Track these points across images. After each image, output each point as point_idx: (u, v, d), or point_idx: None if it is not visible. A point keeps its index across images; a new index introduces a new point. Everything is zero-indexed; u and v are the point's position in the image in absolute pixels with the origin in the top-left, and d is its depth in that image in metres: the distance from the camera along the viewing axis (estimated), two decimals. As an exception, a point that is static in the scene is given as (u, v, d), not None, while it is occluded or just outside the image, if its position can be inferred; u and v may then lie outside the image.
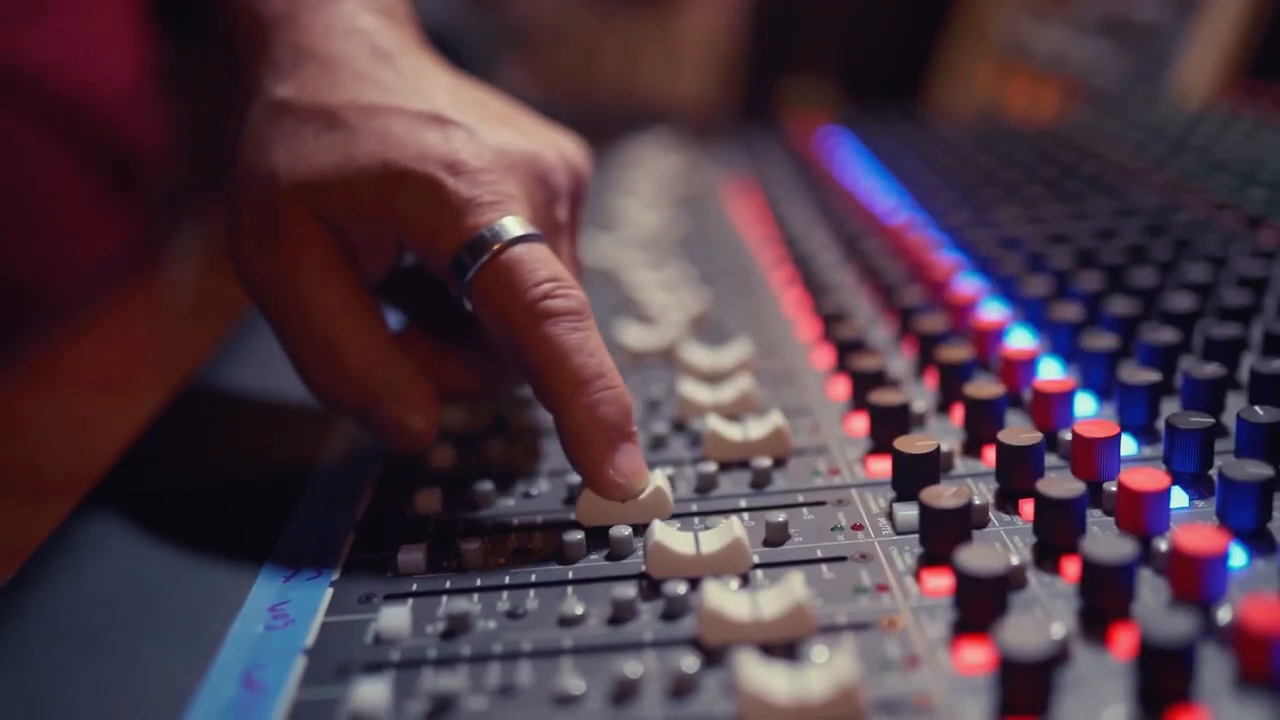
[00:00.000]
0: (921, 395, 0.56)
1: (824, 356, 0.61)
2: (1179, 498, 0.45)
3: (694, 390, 0.56)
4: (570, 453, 0.48)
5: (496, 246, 0.48)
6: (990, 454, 0.49)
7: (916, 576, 0.42)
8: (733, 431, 0.52)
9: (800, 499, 0.48)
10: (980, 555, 0.39)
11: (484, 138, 0.52)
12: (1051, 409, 0.50)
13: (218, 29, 0.58)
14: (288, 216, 0.50)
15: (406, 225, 0.50)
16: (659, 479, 0.48)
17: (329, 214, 0.50)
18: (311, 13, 0.54)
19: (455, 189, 0.49)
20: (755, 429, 0.52)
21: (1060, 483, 0.42)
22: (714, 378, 0.59)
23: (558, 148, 0.56)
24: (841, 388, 0.57)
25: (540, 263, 0.49)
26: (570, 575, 0.44)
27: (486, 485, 0.50)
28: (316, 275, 0.50)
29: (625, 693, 0.37)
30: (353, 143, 0.50)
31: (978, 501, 0.44)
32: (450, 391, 0.55)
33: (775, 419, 0.52)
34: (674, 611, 0.41)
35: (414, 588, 0.44)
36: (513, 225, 0.49)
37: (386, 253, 0.52)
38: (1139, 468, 0.43)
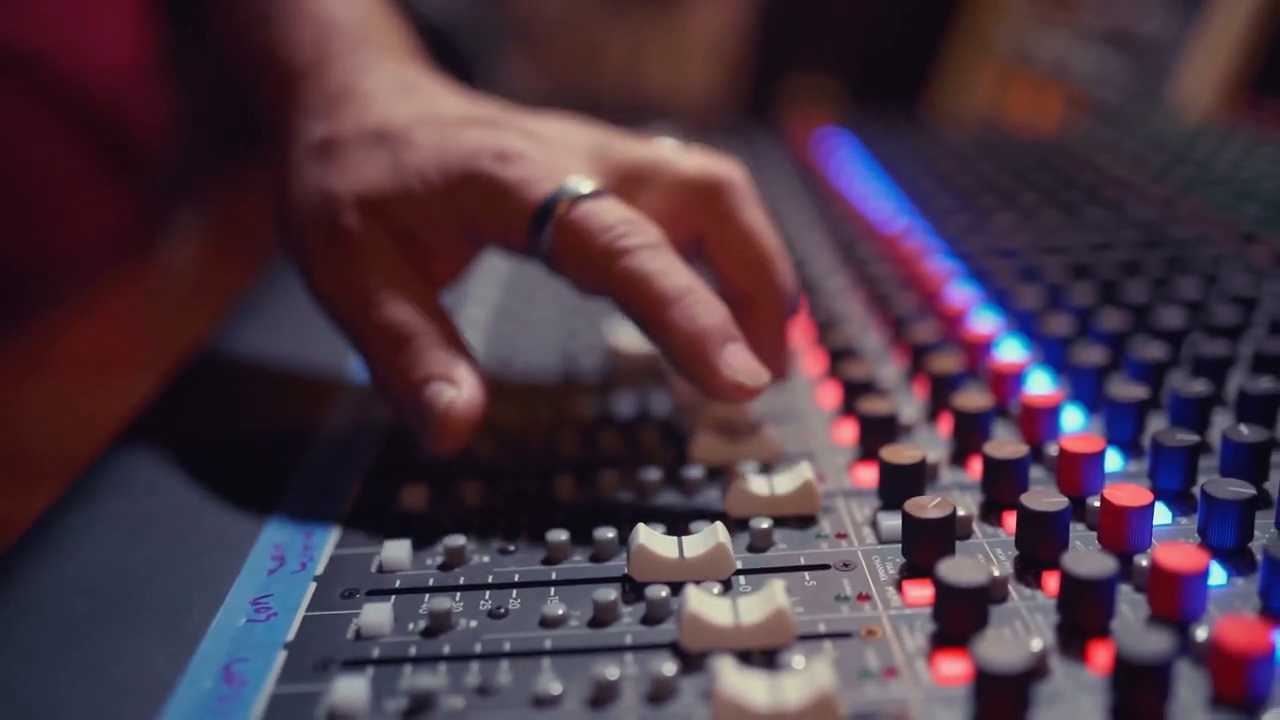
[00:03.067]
0: (910, 404, 0.56)
1: (815, 363, 0.61)
2: (1162, 514, 0.45)
3: (684, 392, 0.56)
4: (684, 368, 0.49)
5: (560, 209, 0.50)
6: (977, 465, 0.49)
7: (898, 586, 0.42)
8: (722, 439, 0.52)
9: (786, 505, 0.48)
10: (961, 567, 0.39)
11: (518, 124, 0.55)
12: (1039, 422, 0.50)
13: (241, 81, 0.60)
14: (357, 231, 0.52)
15: (477, 220, 0.52)
16: (807, 472, 0.48)
17: (395, 224, 0.52)
18: (338, 60, 0.58)
19: (510, 173, 0.51)
20: (747, 438, 0.52)
21: (1043, 496, 0.42)
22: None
23: (577, 121, 0.58)
24: (832, 395, 0.57)
25: (606, 211, 0.50)
26: (553, 576, 0.44)
27: (472, 483, 0.50)
28: (393, 281, 0.52)
29: (604, 696, 0.37)
30: (402, 154, 0.53)
31: (962, 513, 0.45)
32: None
33: (765, 424, 0.52)
34: (655, 615, 0.41)
35: (397, 584, 0.44)
36: (573, 185, 0.51)
37: (460, 252, 0.55)
38: (1123, 483, 0.43)
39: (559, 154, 0.53)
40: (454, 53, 1.58)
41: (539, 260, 0.52)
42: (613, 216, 0.50)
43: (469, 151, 0.52)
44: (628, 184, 0.54)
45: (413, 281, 0.52)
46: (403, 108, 0.55)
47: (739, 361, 0.48)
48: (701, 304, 0.49)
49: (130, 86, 1.11)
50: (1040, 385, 0.56)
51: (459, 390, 0.50)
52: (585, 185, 0.51)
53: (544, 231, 0.51)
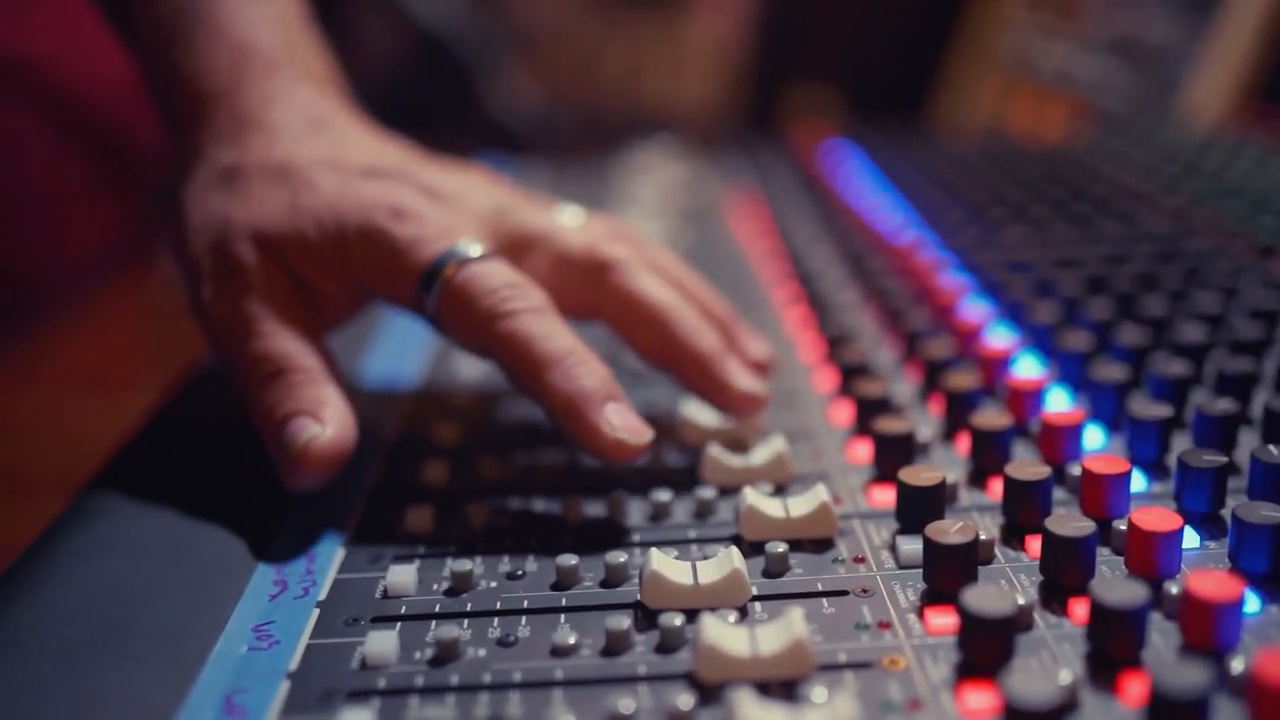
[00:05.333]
0: (927, 423, 0.54)
1: (827, 379, 0.60)
2: (1190, 538, 0.44)
3: (696, 413, 0.55)
4: (565, 428, 0.49)
5: (448, 271, 0.51)
6: (997, 486, 0.48)
7: (920, 614, 0.41)
8: (733, 459, 0.50)
9: (801, 528, 0.47)
10: (986, 596, 0.37)
11: (419, 179, 0.55)
12: (1060, 441, 0.49)
13: (154, 99, 0.61)
14: (249, 259, 0.53)
15: (366, 273, 0.53)
16: (779, 444, 0.49)
17: (286, 260, 0.53)
18: (252, 86, 0.58)
19: (402, 232, 0.52)
20: (757, 452, 0.51)
21: (1069, 521, 0.41)
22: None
23: (486, 176, 0.60)
24: (845, 413, 0.56)
25: (493, 274, 0.51)
26: (564, 602, 0.43)
27: (478, 505, 0.49)
28: (278, 316, 0.52)
29: (618, 730, 0.36)
30: (300, 195, 0.54)
31: (983, 537, 0.43)
32: None
33: (777, 443, 0.51)
34: (669, 644, 0.40)
35: (403, 610, 0.43)
36: (462, 248, 0.52)
37: (348, 300, 0.56)
38: (1149, 506, 0.42)
39: (454, 214, 0.54)
40: (453, 62, 1.57)
41: (425, 319, 0.53)
42: (498, 280, 0.51)
43: (367, 205, 0.53)
44: (519, 250, 0.55)
45: (296, 316, 0.53)
46: (309, 146, 0.56)
47: (619, 419, 0.48)
48: (581, 365, 0.49)
49: (129, 96, 1.09)
50: (1059, 403, 0.55)
51: (323, 428, 0.49)
52: (475, 248, 0.52)
53: (431, 292, 0.51)
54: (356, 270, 0.53)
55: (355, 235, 0.53)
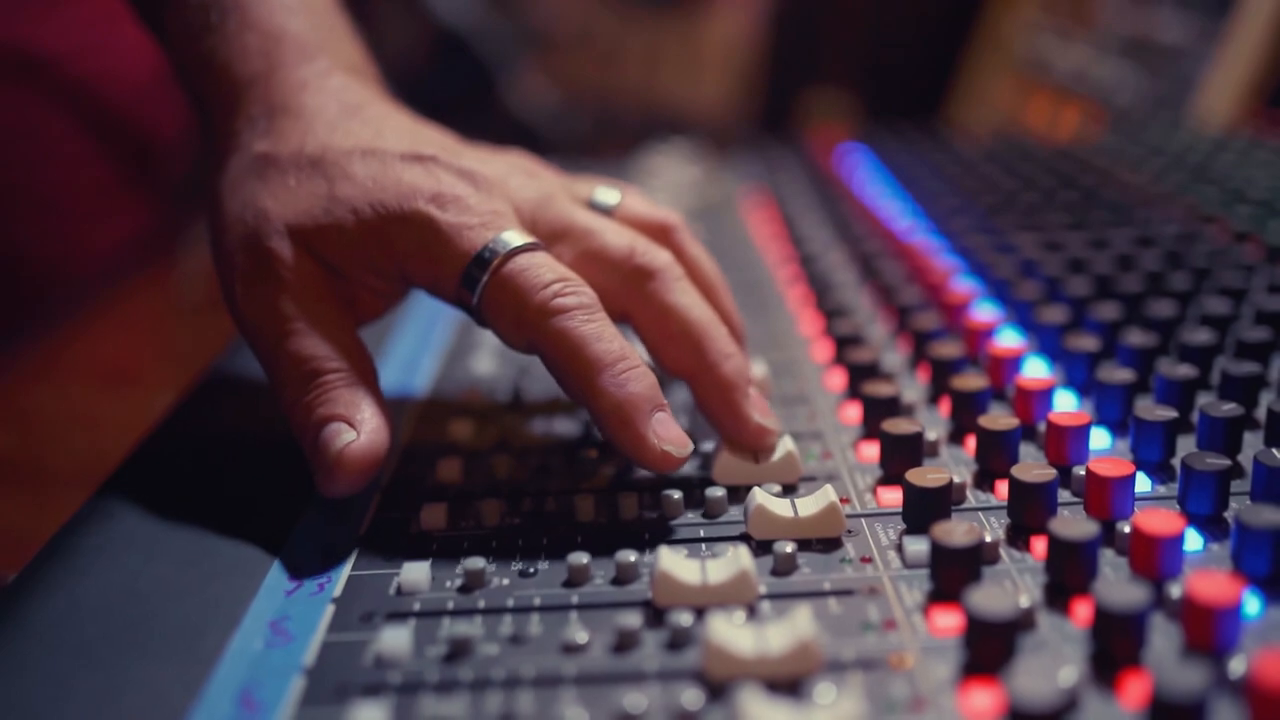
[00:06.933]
0: (935, 423, 0.55)
1: (837, 379, 0.61)
2: (1193, 540, 0.44)
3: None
4: (610, 435, 0.49)
5: (496, 261, 0.50)
6: (1003, 487, 0.48)
7: (925, 613, 0.41)
8: (744, 460, 0.51)
9: (809, 528, 0.47)
10: (991, 597, 0.38)
11: (459, 164, 0.54)
12: (1066, 443, 0.50)
13: (186, 88, 0.61)
14: (285, 255, 0.52)
15: (408, 262, 0.52)
16: (789, 444, 0.49)
17: (323, 256, 0.52)
18: (285, 72, 0.57)
19: (446, 219, 0.51)
20: (768, 459, 0.51)
21: (1074, 523, 0.42)
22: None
23: (525, 160, 0.59)
24: (854, 412, 0.57)
25: (543, 267, 0.50)
26: (575, 600, 0.43)
27: (491, 503, 0.49)
28: (314, 314, 0.52)
29: (627, 726, 0.37)
30: (337, 186, 0.53)
31: (989, 538, 0.44)
32: None
33: (787, 444, 0.51)
34: (679, 642, 0.40)
35: (416, 607, 0.43)
36: (508, 238, 0.51)
37: (387, 291, 0.55)
38: (1153, 508, 0.43)
39: (496, 200, 0.53)
40: (472, 61, 1.57)
41: (463, 309, 0.52)
42: (549, 273, 0.50)
43: (406, 191, 0.52)
44: (557, 241, 0.54)
45: (333, 314, 0.52)
46: (344, 133, 0.55)
47: (665, 431, 0.49)
48: (631, 371, 0.49)
49: (148, 94, 1.10)
50: (1066, 405, 0.55)
51: (357, 434, 0.49)
52: (520, 237, 0.51)
53: (477, 282, 0.50)
54: (397, 259, 0.52)
55: (396, 222, 0.52)
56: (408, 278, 0.53)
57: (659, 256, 0.54)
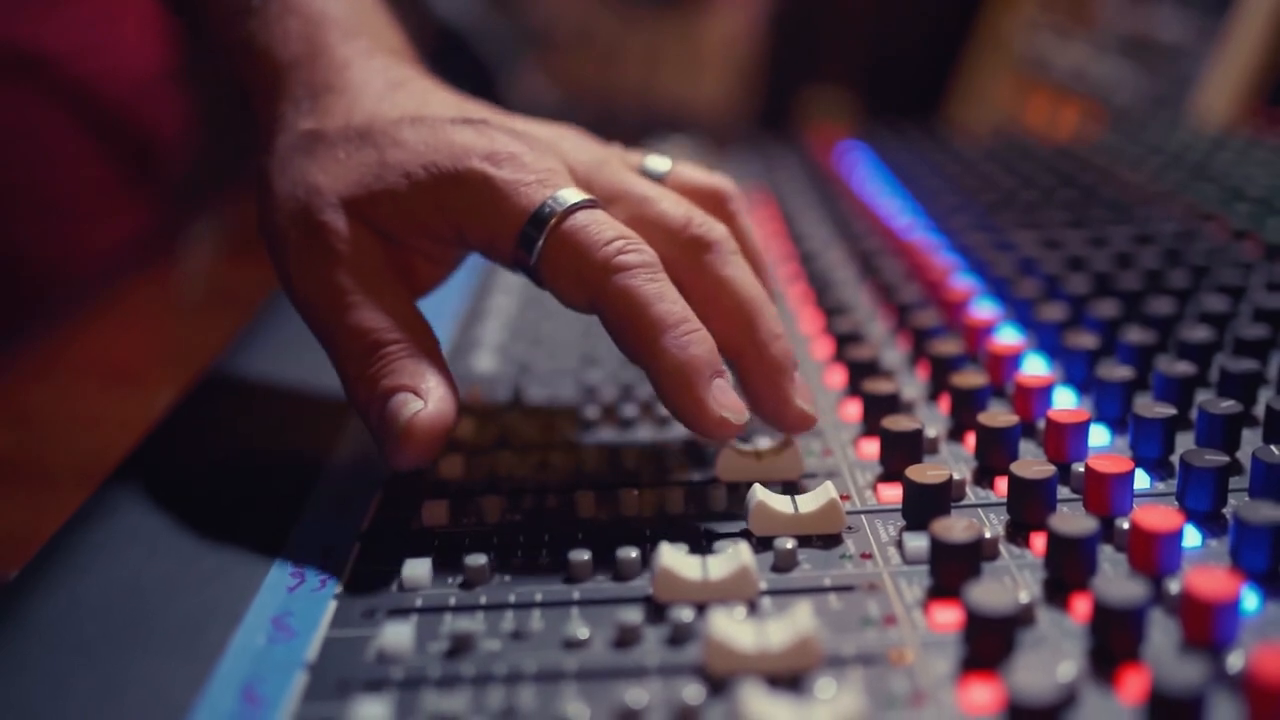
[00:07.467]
0: (934, 420, 0.55)
1: (837, 376, 0.61)
2: (1192, 536, 0.44)
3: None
4: (669, 398, 0.48)
5: (555, 218, 0.49)
6: (1002, 484, 0.48)
7: (924, 609, 0.41)
8: (745, 456, 0.51)
9: (810, 524, 0.47)
10: (990, 593, 0.38)
11: (510, 126, 0.53)
12: (1065, 440, 0.50)
13: (232, 75, 0.59)
14: (338, 229, 0.51)
15: (465, 221, 0.51)
16: (831, 491, 0.47)
17: (378, 224, 0.51)
18: (328, 53, 0.56)
19: (502, 175, 0.50)
20: (768, 450, 0.52)
21: (1073, 519, 0.42)
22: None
23: (573, 132, 0.58)
24: (854, 410, 0.57)
25: (604, 223, 0.49)
26: (576, 596, 0.44)
27: (492, 500, 0.50)
28: (372, 286, 0.51)
29: (628, 722, 0.37)
30: (388, 152, 0.52)
31: (988, 534, 0.44)
32: None
33: (792, 449, 0.52)
34: (679, 637, 0.40)
35: (418, 603, 0.44)
36: (566, 195, 0.50)
37: (442, 256, 0.54)
38: (1152, 505, 0.43)
39: (551, 158, 0.52)
40: (472, 59, 1.57)
41: (520, 269, 0.51)
42: (610, 230, 0.49)
43: (459, 151, 0.51)
44: (611, 206, 0.53)
45: (390, 285, 0.51)
46: (391, 104, 0.54)
47: (724, 397, 0.48)
48: (694, 333, 0.48)
49: (150, 93, 1.11)
50: (1066, 402, 0.55)
51: (425, 403, 0.48)
52: (577, 194, 0.50)
53: (535, 241, 0.49)
54: (453, 220, 0.51)
55: (450, 182, 0.51)
56: (463, 240, 0.52)
57: (715, 228, 0.53)
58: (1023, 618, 0.40)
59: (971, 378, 0.55)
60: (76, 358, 1.01)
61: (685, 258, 0.52)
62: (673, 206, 0.53)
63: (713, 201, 0.57)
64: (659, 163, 0.58)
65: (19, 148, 0.99)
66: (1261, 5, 1.04)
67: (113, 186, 1.10)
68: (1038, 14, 1.40)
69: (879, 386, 0.55)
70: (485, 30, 1.59)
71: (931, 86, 1.48)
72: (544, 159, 0.52)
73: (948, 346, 0.59)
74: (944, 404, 0.57)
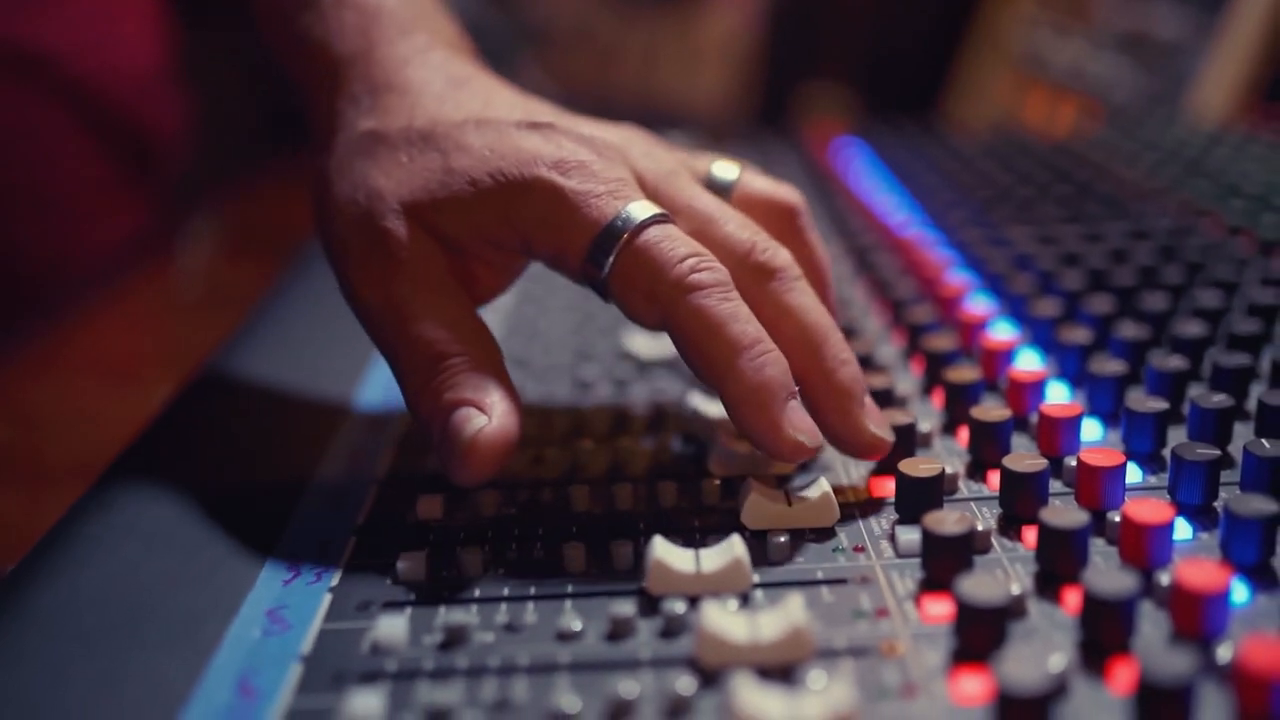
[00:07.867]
0: (928, 415, 0.55)
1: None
2: (1183, 529, 0.45)
3: (702, 403, 0.56)
4: (743, 420, 0.47)
5: (628, 233, 0.48)
6: (995, 477, 0.49)
7: (916, 602, 0.42)
8: (739, 450, 0.51)
9: (803, 518, 0.48)
10: (981, 585, 0.38)
11: (579, 131, 0.52)
12: (1058, 434, 0.50)
13: (283, 69, 0.59)
14: (401, 237, 0.50)
15: (533, 232, 0.50)
16: (824, 485, 0.47)
17: (442, 232, 0.50)
18: (386, 48, 0.55)
19: (571, 186, 0.49)
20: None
21: (1064, 512, 0.42)
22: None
23: (641, 133, 0.56)
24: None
25: (677, 240, 0.48)
26: (569, 589, 0.44)
27: (487, 494, 0.50)
28: (435, 295, 0.49)
29: (620, 713, 0.37)
30: (453, 157, 0.50)
31: (980, 527, 0.44)
32: None
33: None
34: (672, 630, 0.41)
35: (412, 596, 0.44)
36: (638, 209, 0.48)
37: (506, 265, 0.53)
38: (1143, 498, 0.43)
39: (621, 168, 0.51)
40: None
41: (587, 283, 0.50)
42: (685, 248, 0.48)
43: (526, 158, 0.50)
44: (677, 220, 0.50)
45: (454, 296, 0.50)
46: (454, 105, 0.53)
47: (799, 419, 0.47)
48: (768, 354, 0.47)
49: (148, 91, 1.11)
50: (1058, 396, 0.55)
51: (489, 419, 0.46)
52: (649, 208, 0.49)
53: (607, 255, 0.48)
54: (520, 230, 0.50)
55: (517, 191, 0.49)
56: (529, 250, 0.51)
57: (779, 255, 0.51)
58: (1014, 610, 0.40)
59: (965, 372, 0.55)
60: (75, 355, 1.01)
61: (749, 283, 0.50)
62: (738, 229, 0.51)
63: (779, 214, 0.56)
64: (727, 170, 0.56)
65: (17, 146, 0.99)
66: (1258, 2, 1.04)
67: (111, 185, 1.10)
68: (1036, 11, 1.40)
69: (873, 382, 0.55)
70: (484, 27, 1.59)
71: (929, 83, 1.48)
72: (613, 168, 0.50)
73: (942, 341, 0.59)
74: (938, 398, 0.57)
